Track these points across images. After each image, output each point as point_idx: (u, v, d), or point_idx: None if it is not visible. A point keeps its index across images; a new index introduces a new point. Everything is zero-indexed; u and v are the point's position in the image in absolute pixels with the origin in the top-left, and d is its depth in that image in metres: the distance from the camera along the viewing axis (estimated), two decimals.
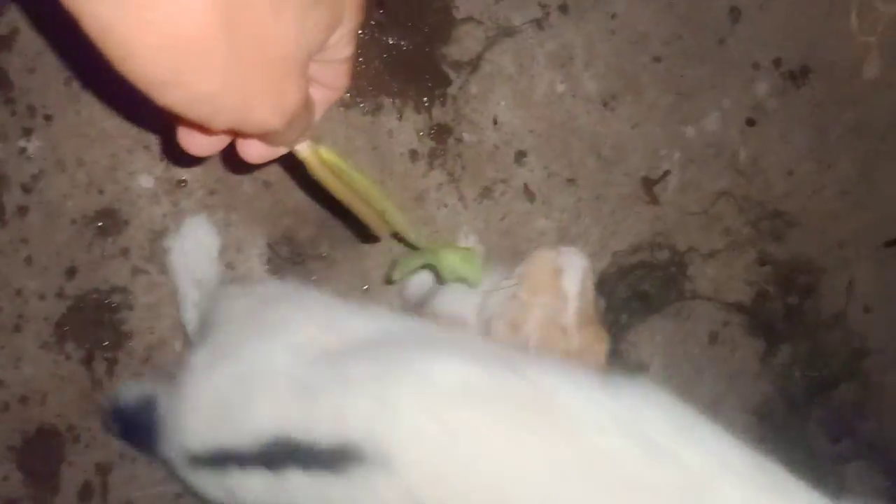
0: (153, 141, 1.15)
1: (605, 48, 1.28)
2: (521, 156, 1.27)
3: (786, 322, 1.36)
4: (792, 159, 1.37)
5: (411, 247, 0.85)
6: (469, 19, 1.23)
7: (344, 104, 1.19)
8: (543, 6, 1.25)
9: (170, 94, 0.43)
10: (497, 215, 1.26)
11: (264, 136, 0.56)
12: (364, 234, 0.98)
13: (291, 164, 0.71)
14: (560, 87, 1.27)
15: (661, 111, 1.31)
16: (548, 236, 1.28)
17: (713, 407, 1.36)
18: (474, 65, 1.23)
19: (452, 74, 1.23)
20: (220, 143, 0.57)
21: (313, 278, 1.20)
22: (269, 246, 1.19)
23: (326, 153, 0.65)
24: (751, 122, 1.35)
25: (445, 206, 1.24)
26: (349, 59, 0.56)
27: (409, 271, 0.91)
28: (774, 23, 1.35)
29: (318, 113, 0.61)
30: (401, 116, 1.22)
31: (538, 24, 1.25)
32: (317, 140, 0.62)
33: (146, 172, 1.15)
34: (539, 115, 1.27)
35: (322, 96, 0.59)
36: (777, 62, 1.36)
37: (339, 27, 0.51)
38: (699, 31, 1.32)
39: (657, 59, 1.30)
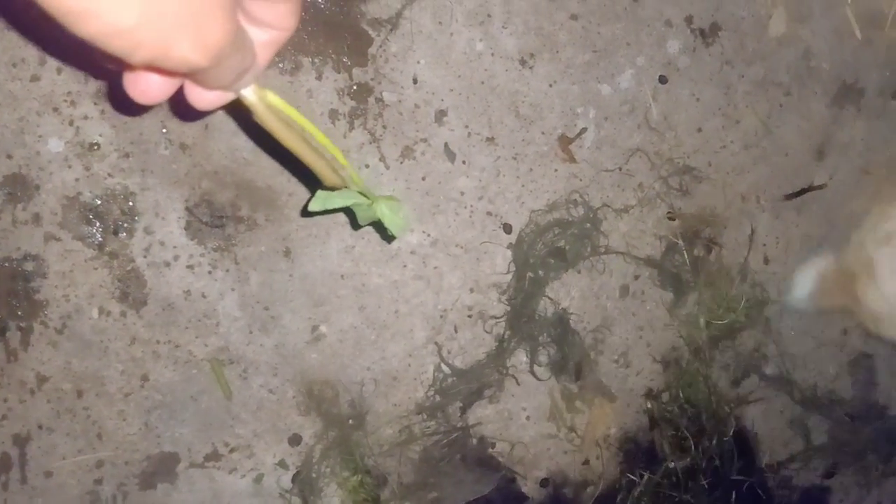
0: (62, 103, 1.10)
1: (523, 6, 1.28)
2: (441, 115, 1.27)
3: (692, 274, 1.42)
4: (701, 116, 1.42)
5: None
6: None
7: None
8: None
9: (85, 25, 0.42)
10: (418, 175, 1.27)
11: (197, 78, 0.54)
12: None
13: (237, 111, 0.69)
14: (479, 46, 1.27)
15: (578, 69, 1.33)
16: (468, 195, 1.29)
17: (623, 357, 1.43)
18: (394, 23, 1.22)
19: (372, 33, 1.21)
20: (165, 89, 0.55)
21: (233, 242, 1.19)
22: (188, 209, 1.17)
23: (274, 98, 0.63)
24: (663, 80, 1.39)
25: (367, 166, 1.24)
26: None
27: (330, 206, 0.87)
28: None
29: (266, 56, 0.59)
30: (320, 76, 1.20)
31: None
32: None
33: (56, 136, 1.11)
34: (458, 73, 1.27)
35: (268, 38, 0.58)
36: (689, 19, 1.39)
37: None
38: None
39: (574, 17, 1.31)
